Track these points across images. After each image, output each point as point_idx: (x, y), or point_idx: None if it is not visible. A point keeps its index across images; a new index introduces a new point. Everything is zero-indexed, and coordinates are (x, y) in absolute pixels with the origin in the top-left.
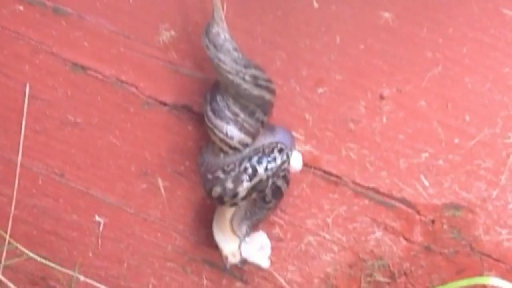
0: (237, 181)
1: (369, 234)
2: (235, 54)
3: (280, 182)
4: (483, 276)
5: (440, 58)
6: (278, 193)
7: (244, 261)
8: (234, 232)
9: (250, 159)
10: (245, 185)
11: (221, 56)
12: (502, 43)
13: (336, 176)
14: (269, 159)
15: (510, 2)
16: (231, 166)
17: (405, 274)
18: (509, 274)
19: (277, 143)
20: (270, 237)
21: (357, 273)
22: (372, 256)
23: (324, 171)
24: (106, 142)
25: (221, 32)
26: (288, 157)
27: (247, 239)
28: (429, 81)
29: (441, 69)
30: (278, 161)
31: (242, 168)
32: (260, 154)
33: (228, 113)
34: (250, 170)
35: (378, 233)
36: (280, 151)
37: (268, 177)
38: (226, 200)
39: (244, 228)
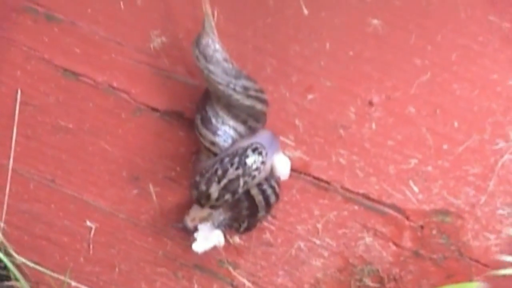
0: (209, 183)
1: (359, 239)
2: (226, 65)
3: (254, 191)
4: (472, 281)
5: (429, 65)
6: (250, 198)
7: (192, 232)
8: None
9: (222, 161)
10: (215, 186)
11: (212, 67)
12: (490, 49)
13: (326, 182)
14: (242, 158)
15: (497, 9)
16: (207, 169)
17: (395, 279)
18: (497, 279)
19: (252, 143)
20: (261, 242)
21: (347, 278)
22: (362, 261)
23: (314, 177)
24: (97, 148)
25: (211, 43)
26: (262, 155)
27: (220, 226)
28: (418, 87)
29: (429, 76)
30: (250, 160)
31: (213, 170)
32: (231, 156)
33: (215, 123)
34: (220, 172)
35: (368, 239)
36: (254, 150)
37: (238, 176)
38: (203, 202)
39: (222, 216)
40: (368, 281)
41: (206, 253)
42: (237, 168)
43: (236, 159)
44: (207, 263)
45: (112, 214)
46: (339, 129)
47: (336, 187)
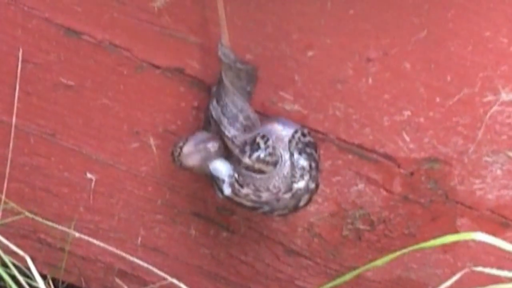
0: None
1: (352, 186)
2: None
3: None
4: (456, 222)
5: (425, 22)
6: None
7: None
8: None
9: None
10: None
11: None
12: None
13: (322, 134)
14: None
15: None
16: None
17: (384, 221)
18: (479, 221)
19: (258, 133)
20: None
21: (339, 222)
22: (354, 206)
23: (311, 129)
24: (98, 104)
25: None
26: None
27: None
28: (414, 44)
29: (426, 33)
30: (262, 146)
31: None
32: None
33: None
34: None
35: (360, 185)
36: (263, 137)
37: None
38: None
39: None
40: (359, 224)
41: (205, 202)
42: (249, 157)
43: (248, 148)
44: (204, 210)
45: (112, 166)
46: (337, 84)
47: (332, 138)
